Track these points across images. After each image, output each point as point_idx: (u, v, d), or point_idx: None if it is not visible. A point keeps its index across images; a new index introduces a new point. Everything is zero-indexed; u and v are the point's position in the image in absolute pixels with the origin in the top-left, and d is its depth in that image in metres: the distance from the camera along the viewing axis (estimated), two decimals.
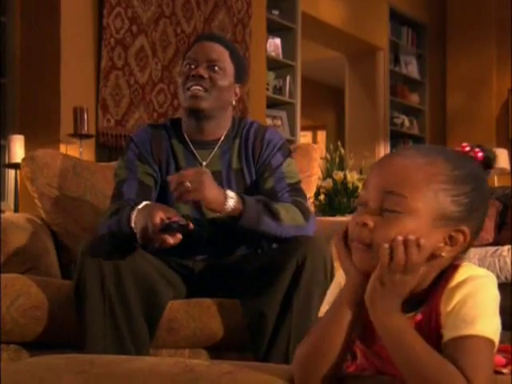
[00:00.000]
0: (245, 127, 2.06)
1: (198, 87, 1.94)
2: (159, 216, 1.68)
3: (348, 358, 1.12)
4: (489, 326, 0.95)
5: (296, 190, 1.99)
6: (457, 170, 0.98)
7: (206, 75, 1.96)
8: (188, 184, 1.75)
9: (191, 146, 2.02)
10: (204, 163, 2.00)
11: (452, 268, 1.00)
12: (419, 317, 1.02)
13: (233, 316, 1.88)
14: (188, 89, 1.96)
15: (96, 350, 1.67)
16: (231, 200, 1.81)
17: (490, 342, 0.95)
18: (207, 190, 1.77)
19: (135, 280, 1.76)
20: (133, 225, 1.75)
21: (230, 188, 1.95)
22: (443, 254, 0.98)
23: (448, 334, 0.96)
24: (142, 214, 1.73)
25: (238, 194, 1.85)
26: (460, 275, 0.99)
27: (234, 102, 2.04)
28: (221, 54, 2.00)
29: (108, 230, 1.84)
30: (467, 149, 1.04)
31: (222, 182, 1.98)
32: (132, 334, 1.74)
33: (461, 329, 0.94)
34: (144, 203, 1.80)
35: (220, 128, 2.03)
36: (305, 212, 1.92)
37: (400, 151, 1.02)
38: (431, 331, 1.00)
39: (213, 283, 1.96)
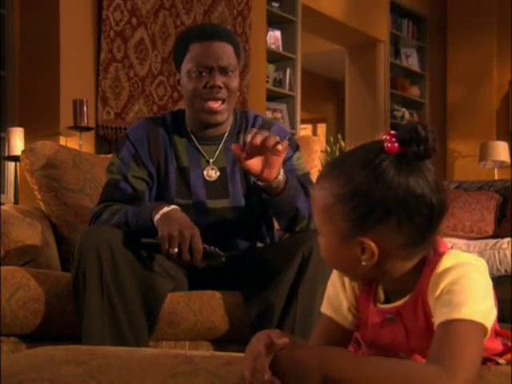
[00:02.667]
0: (249, 121, 2.03)
1: (217, 104, 1.90)
2: (200, 241, 1.73)
3: (353, 345, 1.13)
4: (476, 309, 0.95)
5: (308, 180, 1.97)
6: (345, 186, 0.98)
7: (222, 84, 1.90)
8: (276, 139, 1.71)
9: (195, 141, 1.99)
10: (211, 160, 1.98)
11: (437, 255, 1.01)
12: (399, 303, 1.03)
13: (233, 308, 1.88)
14: (205, 100, 1.91)
15: (94, 342, 1.67)
16: (282, 173, 1.79)
17: (478, 325, 0.95)
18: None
19: (133, 272, 1.76)
20: (156, 225, 1.76)
21: (235, 185, 1.95)
22: (363, 263, 1.00)
23: (436, 320, 0.97)
24: (172, 223, 1.74)
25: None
26: (446, 261, 0.99)
27: (237, 93, 2.00)
28: (230, 55, 1.93)
29: (115, 224, 1.83)
30: (384, 137, 0.96)
31: (227, 178, 1.97)
32: (130, 326, 1.74)
33: (448, 314, 0.95)
34: (171, 208, 1.80)
35: (225, 123, 2.00)
36: None
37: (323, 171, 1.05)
38: (418, 317, 1.01)
39: (216, 276, 1.96)
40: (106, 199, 1.94)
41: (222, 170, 1.97)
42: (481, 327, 0.95)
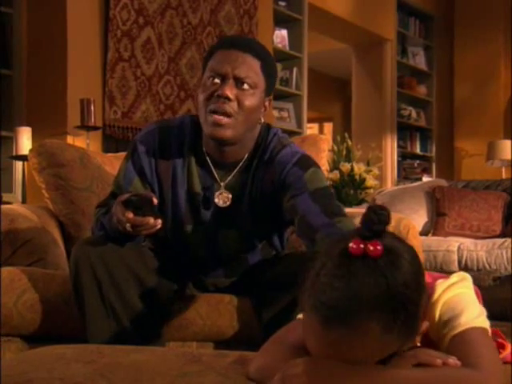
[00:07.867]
0: (266, 143, 1.84)
1: (222, 116, 1.69)
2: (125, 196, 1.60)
3: None
4: (472, 317, 1.04)
5: (326, 195, 1.74)
6: (378, 323, 0.94)
7: (232, 96, 1.68)
8: None
9: (210, 164, 1.82)
10: (222, 184, 1.82)
11: (431, 288, 1.08)
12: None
13: (241, 313, 1.85)
14: (210, 112, 1.70)
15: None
16: None
17: (480, 328, 1.04)
18: None
19: (133, 279, 1.71)
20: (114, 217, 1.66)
21: (244, 211, 1.84)
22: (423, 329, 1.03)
23: (444, 342, 1.05)
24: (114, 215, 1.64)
25: None
26: (438, 290, 1.08)
27: (262, 119, 1.79)
28: (251, 67, 1.71)
29: (100, 233, 1.77)
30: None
31: (238, 204, 1.83)
32: (139, 333, 1.72)
33: (451, 331, 1.04)
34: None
35: (243, 149, 1.82)
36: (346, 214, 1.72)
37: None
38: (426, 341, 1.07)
39: (227, 291, 1.93)
40: (101, 205, 1.87)
41: (232, 196, 1.83)
42: (480, 329, 1.04)
